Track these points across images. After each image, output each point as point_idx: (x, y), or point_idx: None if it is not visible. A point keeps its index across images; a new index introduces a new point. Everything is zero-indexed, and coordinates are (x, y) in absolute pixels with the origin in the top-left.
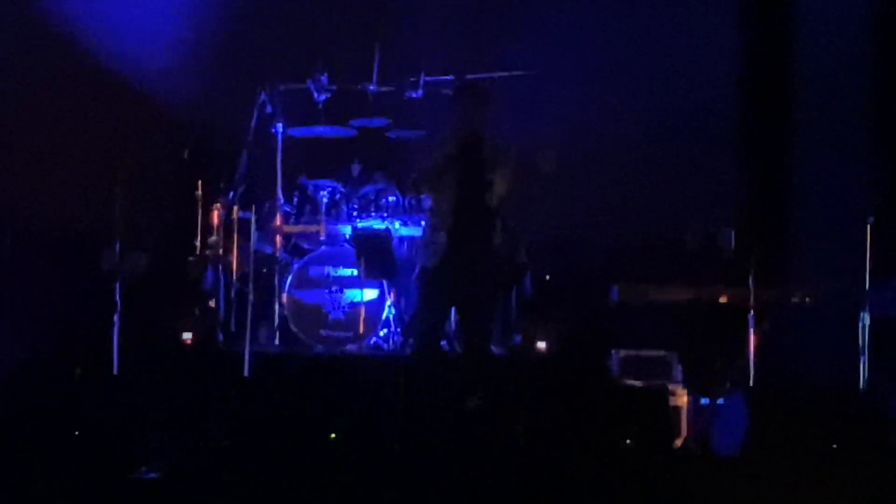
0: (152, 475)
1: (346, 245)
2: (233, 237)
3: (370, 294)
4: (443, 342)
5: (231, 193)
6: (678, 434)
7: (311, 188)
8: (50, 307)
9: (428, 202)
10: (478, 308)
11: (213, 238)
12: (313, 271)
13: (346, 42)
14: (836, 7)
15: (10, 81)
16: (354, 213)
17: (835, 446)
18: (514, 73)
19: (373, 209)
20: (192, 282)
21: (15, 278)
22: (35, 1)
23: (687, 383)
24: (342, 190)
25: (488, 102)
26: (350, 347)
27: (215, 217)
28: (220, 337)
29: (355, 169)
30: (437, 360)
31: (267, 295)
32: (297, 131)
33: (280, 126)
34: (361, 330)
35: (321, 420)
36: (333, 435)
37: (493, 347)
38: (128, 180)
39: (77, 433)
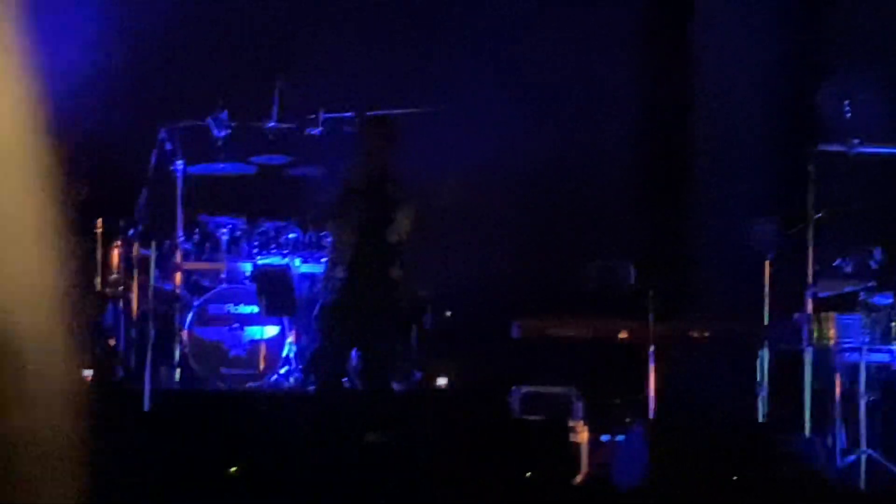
0: None
1: (246, 282)
2: (133, 274)
3: (271, 331)
4: (344, 379)
5: (131, 231)
6: (578, 470)
7: (211, 225)
8: None
9: (329, 238)
10: (377, 344)
11: (113, 275)
12: (213, 309)
13: (245, 79)
14: (736, 50)
15: None
16: (255, 251)
17: (734, 478)
18: (415, 110)
19: (273, 246)
20: (92, 319)
21: None
22: None
23: (587, 419)
24: (242, 227)
25: (395, 138)
26: (251, 385)
27: (115, 254)
28: (121, 374)
29: None
30: (338, 396)
31: (167, 332)
32: (197, 168)
33: (180, 163)
34: (262, 367)
35: (221, 455)
36: (233, 469)
37: (394, 384)
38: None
39: None
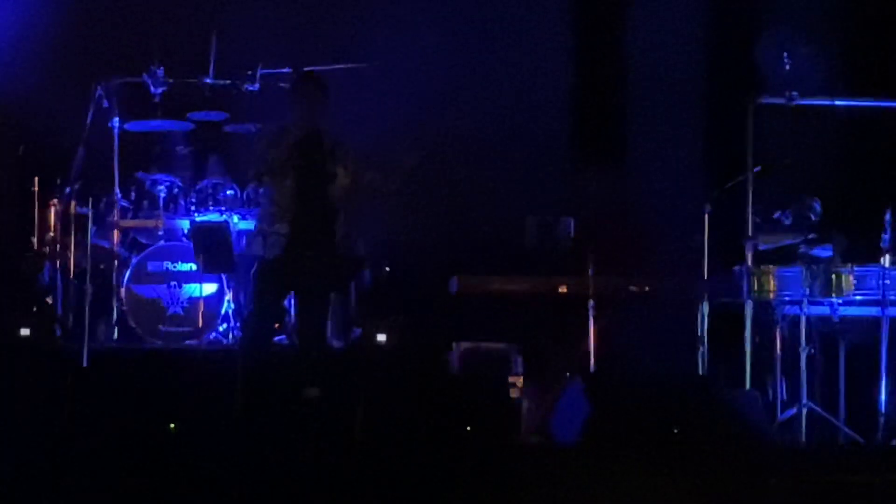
0: None
1: (184, 239)
2: (70, 233)
3: (209, 289)
4: (282, 336)
5: (68, 189)
6: (519, 426)
7: (148, 183)
8: None
9: (265, 194)
10: (316, 301)
11: (50, 234)
12: (151, 266)
13: (182, 35)
14: (673, 2)
15: None
16: (192, 208)
17: (675, 432)
18: (352, 65)
19: (211, 203)
20: (29, 278)
21: None
22: None
23: (527, 374)
24: (180, 184)
25: (327, 93)
26: (189, 342)
27: (52, 213)
28: (59, 333)
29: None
30: (268, 351)
31: (105, 290)
32: (134, 125)
33: (116, 120)
34: (200, 325)
35: (159, 412)
36: (172, 426)
37: (333, 341)
38: None
39: None
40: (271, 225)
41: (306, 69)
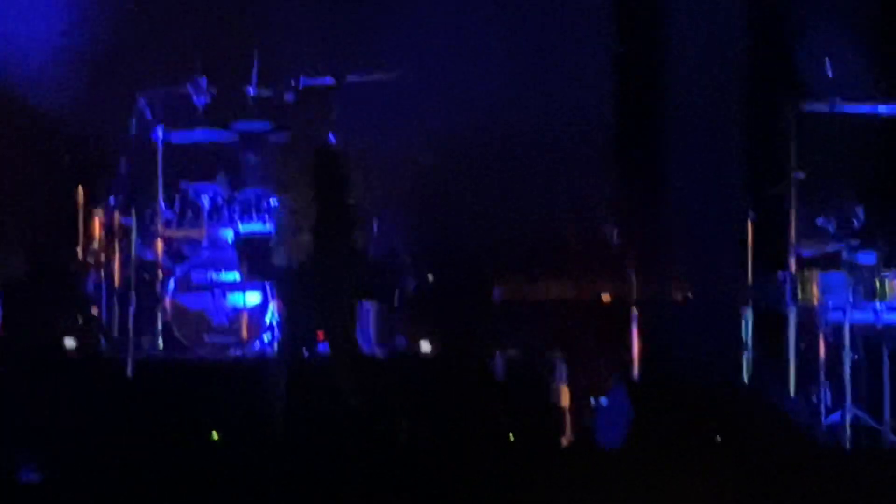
0: (33, 477)
1: (228, 249)
2: (114, 243)
3: (253, 299)
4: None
5: (112, 199)
6: (563, 434)
7: (192, 193)
8: None
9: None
10: (341, 308)
11: (94, 245)
12: (196, 276)
13: (224, 45)
14: (714, 7)
15: None
16: (236, 217)
17: (718, 439)
18: (394, 73)
19: (255, 213)
20: (74, 288)
21: None
22: None
23: (571, 382)
24: (223, 194)
25: (330, 104)
26: (234, 352)
27: (96, 223)
28: (103, 343)
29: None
30: (305, 360)
31: (149, 301)
32: (177, 136)
33: (160, 131)
34: (245, 335)
35: (204, 422)
36: (215, 435)
37: (376, 349)
38: (4, 187)
39: None
40: (293, 235)
41: (304, 83)
